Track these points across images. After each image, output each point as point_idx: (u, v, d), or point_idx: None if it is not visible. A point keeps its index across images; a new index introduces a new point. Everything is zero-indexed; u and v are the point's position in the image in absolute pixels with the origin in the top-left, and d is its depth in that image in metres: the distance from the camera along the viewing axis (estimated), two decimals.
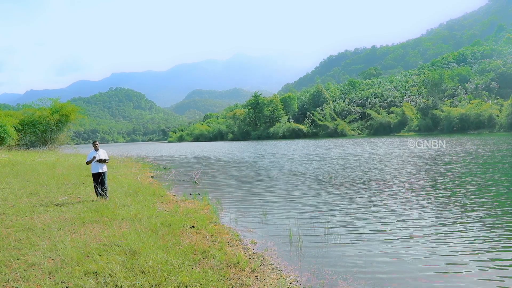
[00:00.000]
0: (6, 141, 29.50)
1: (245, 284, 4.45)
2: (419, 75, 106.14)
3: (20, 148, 33.53)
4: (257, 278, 4.66)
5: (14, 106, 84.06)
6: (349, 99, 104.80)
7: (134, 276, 4.42)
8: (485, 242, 6.00)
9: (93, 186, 9.67)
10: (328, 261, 5.44)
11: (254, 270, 4.90)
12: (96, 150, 9.64)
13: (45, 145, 36.09)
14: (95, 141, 9.86)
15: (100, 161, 9.53)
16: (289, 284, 4.58)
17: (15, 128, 31.83)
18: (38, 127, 35.29)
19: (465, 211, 8.06)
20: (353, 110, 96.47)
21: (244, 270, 4.85)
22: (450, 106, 74.23)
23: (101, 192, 9.43)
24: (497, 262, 5.16)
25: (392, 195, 10.25)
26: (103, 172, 9.56)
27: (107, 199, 9.33)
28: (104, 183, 9.55)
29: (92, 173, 9.60)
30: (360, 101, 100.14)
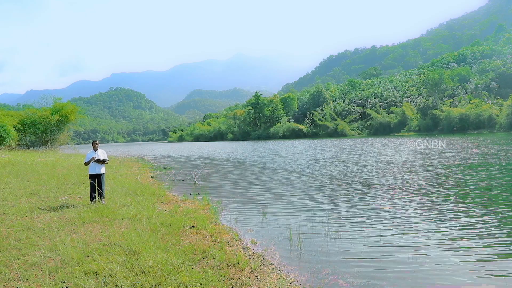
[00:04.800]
0: (6, 141, 29.51)
1: (245, 284, 4.45)
2: (419, 75, 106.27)
3: (20, 148, 33.56)
4: (257, 278, 4.66)
5: (14, 106, 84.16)
6: (349, 99, 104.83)
7: (134, 276, 4.42)
8: (491, 245, 5.99)
9: (90, 188, 9.06)
10: (328, 261, 5.45)
11: (254, 270, 4.90)
12: (95, 150, 9.15)
13: (45, 145, 36.12)
14: (94, 141, 9.36)
15: (98, 161, 9.03)
16: (289, 284, 4.58)
17: (15, 128, 31.84)
18: (38, 127, 35.30)
19: (471, 212, 8.06)
20: (353, 110, 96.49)
21: (244, 270, 4.85)
22: (450, 106, 74.26)
23: (97, 195, 8.88)
24: (502, 267, 5.16)
25: (394, 197, 10.25)
26: (101, 174, 9.07)
27: (103, 202, 8.81)
28: (102, 186, 9.02)
29: (89, 174, 9.04)
30: (360, 101, 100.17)
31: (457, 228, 6.82)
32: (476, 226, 6.89)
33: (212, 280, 4.43)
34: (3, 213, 7.87)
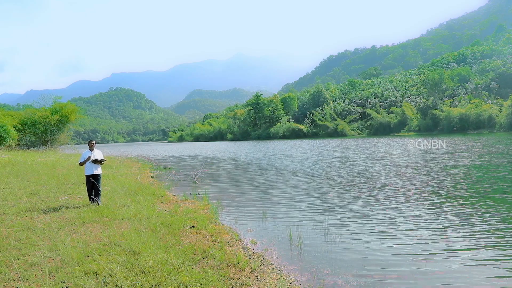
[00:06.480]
0: (6, 141, 29.51)
1: (245, 284, 4.45)
2: (419, 75, 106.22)
3: (20, 148, 33.58)
4: (257, 278, 4.66)
5: (14, 106, 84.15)
6: (349, 99, 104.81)
7: (134, 276, 4.43)
8: (492, 244, 5.98)
9: (87, 189, 8.88)
10: (328, 261, 5.45)
11: (254, 270, 4.90)
12: (91, 150, 8.90)
13: (45, 145, 36.13)
14: (91, 140, 9.12)
15: (96, 161, 8.75)
16: (289, 284, 4.58)
17: (15, 128, 31.85)
18: (38, 127, 35.33)
19: (473, 214, 8.05)
20: (353, 110, 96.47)
21: (244, 270, 4.85)
22: (450, 106, 74.23)
23: (93, 197, 8.74)
24: (502, 267, 5.16)
25: (398, 198, 10.24)
26: (98, 175, 8.83)
27: (99, 204, 8.63)
28: (98, 187, 8.77)
29: (86, 175, 8.75)
30: (360, 101, 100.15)
31: (464, 232, 6.69)
32: (484, 230, 6.62)
33: (212, 280, 4.44)
34: (3, 213, 7.87)
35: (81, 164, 8.83)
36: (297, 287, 4.53)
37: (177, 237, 6.15)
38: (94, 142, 9.15)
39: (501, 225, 6.84)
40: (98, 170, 8.90)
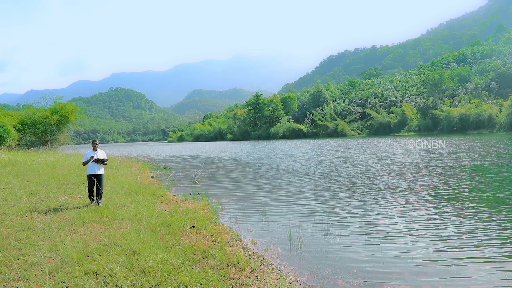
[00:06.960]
0: (6, 141, 29.52)
1: (245, 284, 4.45)
2: (419, 75, 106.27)
3: (20, 148, 33.56)
4: (257, 278, 4.66)
5: (14, 106, 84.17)
6: (349, 99, 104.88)
7: (134, 276, 4.43)
8: (495, 247, 5.95)
9: (88, 189, 8.89)
10: (328, 261, 5.44)
11: (254, 270, 4.90)
12: (95, 150, 8.99)
13: (45, 145, 36.12)
14: (94, 141, 9.16)
15: (98, 161, 8.81)
16: (289, 284, 4.58)
17: (15, 128, 31.85)
18: (38, 127, 35.31)
19: (473, 212, 8.05)
20: (353, 110, 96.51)
21: (244, 270, 4.85)
22: (450, 106, 74.29)
23: (95, 196, 8.76)
24: (504, 268, 5.15)
25: (396, 198, 10.24)
26: (100, 175, 8.89)
27: (99, 204, 8.61)
28: (100, 188, 8.80)
29: (88, 175, 8.82)
30: (360, 101, 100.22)
31: (467, 234, 6.64)
32: (493, 235, 6.46)
33: (212, 280, 4.44)
34: (3, 213, 7.87)
35: (85, 163, 8.93)
36: (297, 287, 4.53)
37: (177, 237, 6.15)
38: (97, 142, 9.25)
39: (504, 228, 6.83)
40: (100, 170, 8.97)
